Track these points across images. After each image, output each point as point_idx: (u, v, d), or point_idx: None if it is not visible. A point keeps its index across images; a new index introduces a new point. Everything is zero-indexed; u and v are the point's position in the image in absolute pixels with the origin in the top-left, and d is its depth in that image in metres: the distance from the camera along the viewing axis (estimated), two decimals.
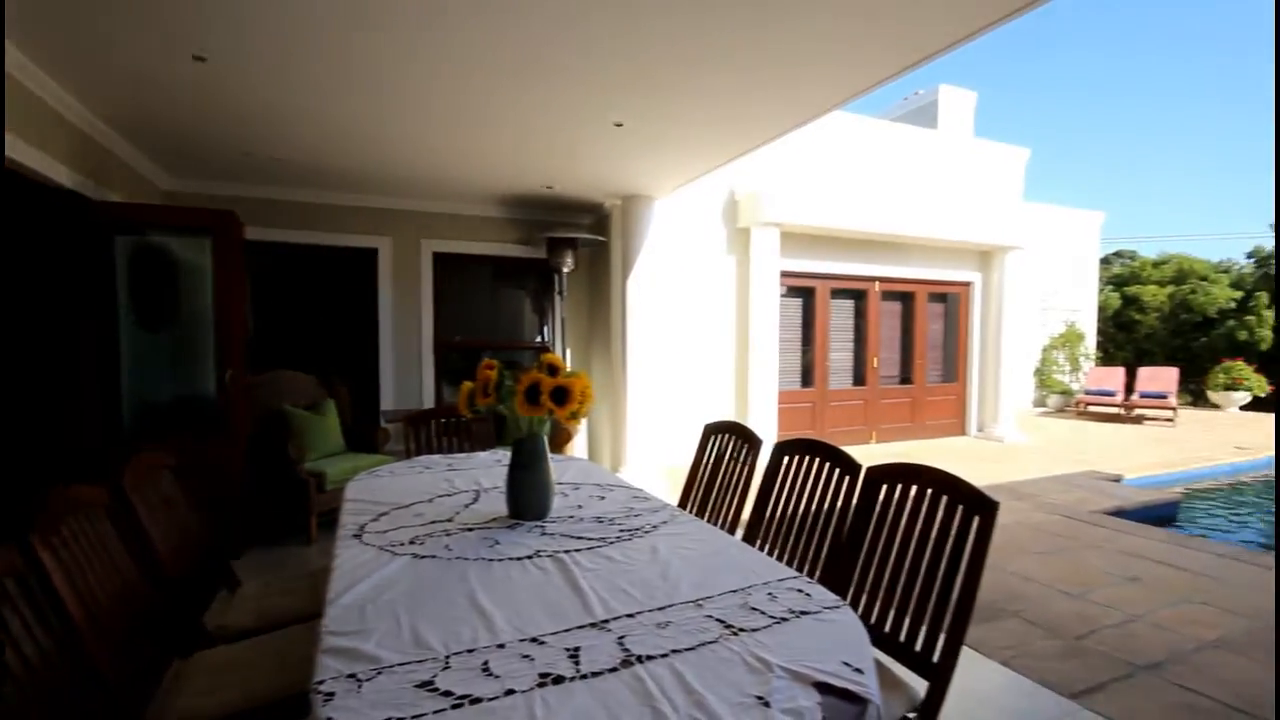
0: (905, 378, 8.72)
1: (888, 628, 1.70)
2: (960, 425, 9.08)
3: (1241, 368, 12.20)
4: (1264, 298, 14.01)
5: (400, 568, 1.54)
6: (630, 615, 1.28)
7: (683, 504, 2.69)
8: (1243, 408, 12.18)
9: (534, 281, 6.17)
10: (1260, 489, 6.97)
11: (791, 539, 2.14)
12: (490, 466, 2.68)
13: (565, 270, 5.80)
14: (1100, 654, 2.74)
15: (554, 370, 1.85)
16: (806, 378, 7.94)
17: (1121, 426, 10.01)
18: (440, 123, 3.70)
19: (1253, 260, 16.38)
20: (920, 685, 1.55)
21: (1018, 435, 8.64)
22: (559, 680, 1.05)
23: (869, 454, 7.57)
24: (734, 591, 1.40)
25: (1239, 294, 14.51)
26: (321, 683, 1.03)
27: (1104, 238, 12.66)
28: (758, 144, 4.08)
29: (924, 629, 1.60)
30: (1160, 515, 5.40)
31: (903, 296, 8.63)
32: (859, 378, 8.35)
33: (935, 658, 1.55)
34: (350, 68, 2.95)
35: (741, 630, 1.22)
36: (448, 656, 1.12)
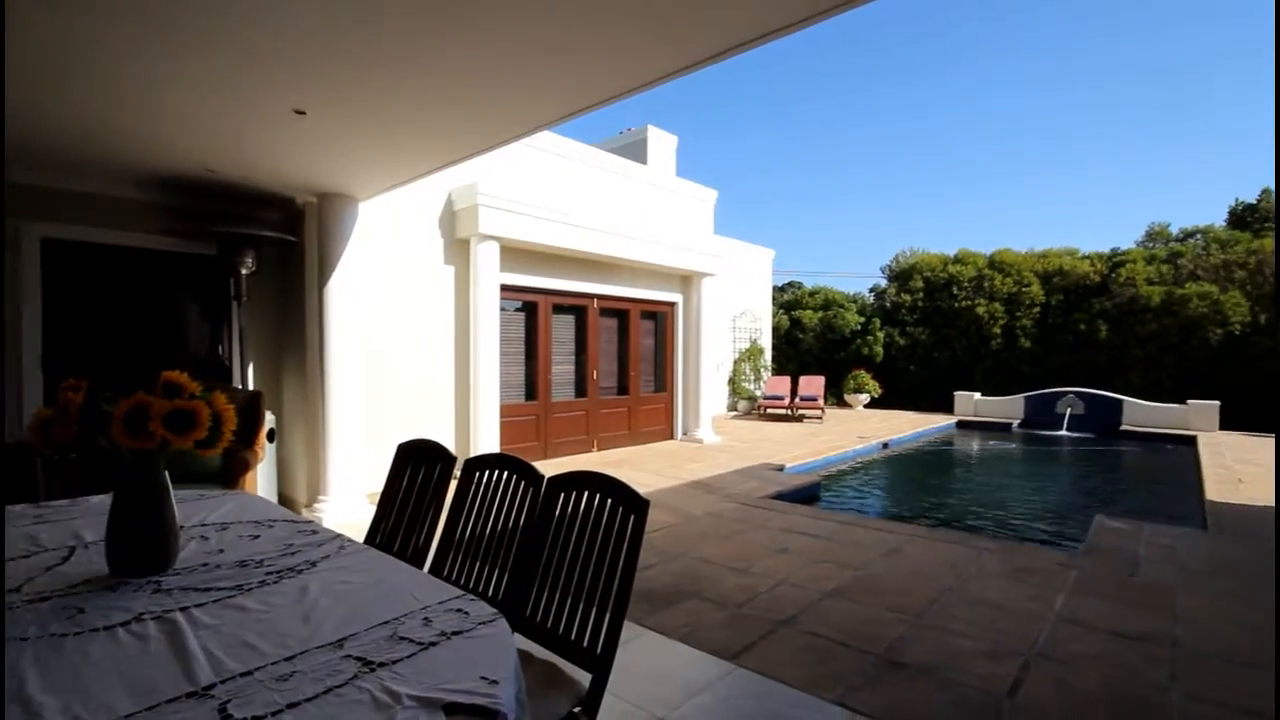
0: (622, 388, 9.43)
1: (561, 629, 1.76)
2: (669, 430, 10.13)
3: (864, 375, 15.97)
4: (878, 322, 18.59)
5: None
6: (247, 673, 1.10)
7: (374, 533, 2.48)
8: (866, 405, 15.94)
9: (204, 283, 5.15)
10: (881, 466, 9.15)
11: (480, 556, 2.11)
12: (103, 514, 2.12)
13: (245, 272, 4.96)
14: (754, 617, 3.25)
15: (174, 390, 1.53)
16: (530, 390, 8.05)
17: (789, 424, 12.26)
18: (32, 70, 2.85)
19: (872, 293, 21.58)
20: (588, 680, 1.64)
21: (714, 437, 9.97)
22: None
23: (590, 462, 8.02)
24: (385, 623, 1.30)
25: (863, 319, 19.03)
26: None
27: (777, 270, 15.50)
28: (464, 155, 4.02)
29: (590, 625, 1.69)
30: (808, 495, 6.71)
31: (618, 313, 9.34)
32: (581, 389, 8.77)
33: (599, 650, 1.65)
34: None
35: (380, 665, 1.13)
36: None
